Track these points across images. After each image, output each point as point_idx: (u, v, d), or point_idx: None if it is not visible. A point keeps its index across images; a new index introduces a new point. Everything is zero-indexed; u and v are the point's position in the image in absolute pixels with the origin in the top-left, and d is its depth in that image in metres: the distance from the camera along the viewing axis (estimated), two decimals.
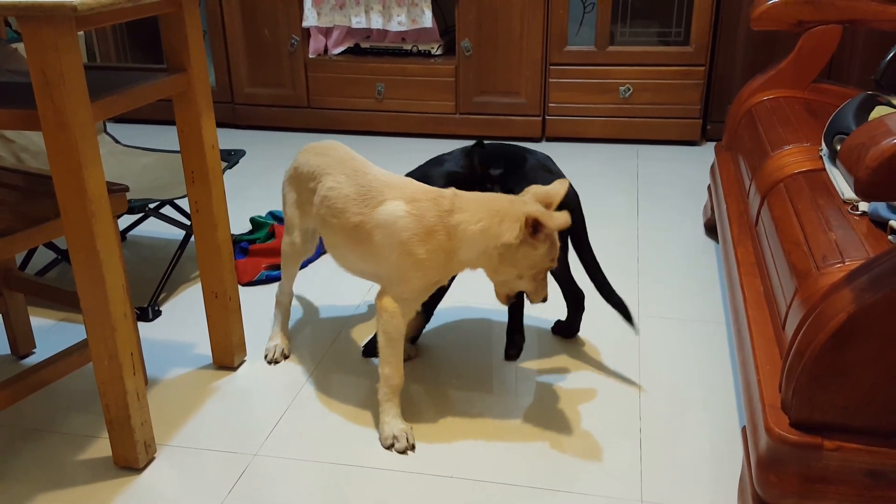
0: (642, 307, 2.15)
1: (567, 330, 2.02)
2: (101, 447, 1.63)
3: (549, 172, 1.82)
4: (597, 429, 1.66)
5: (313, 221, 1.74)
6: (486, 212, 1.51)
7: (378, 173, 1.63)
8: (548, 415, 1.71)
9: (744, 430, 1.36)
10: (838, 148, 1.59)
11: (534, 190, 1.57)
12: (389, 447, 1.61)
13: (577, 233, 1.86)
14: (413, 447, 1.61)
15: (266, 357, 1.92)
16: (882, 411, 1.17)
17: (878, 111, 1.76)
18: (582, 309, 1.99)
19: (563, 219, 1.49)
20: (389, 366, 1.61)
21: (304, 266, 2.42)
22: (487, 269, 1.57)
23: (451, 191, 1.57)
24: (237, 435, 1.66)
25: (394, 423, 1.62)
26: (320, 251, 2.49)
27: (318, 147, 1.74)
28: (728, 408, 1.73)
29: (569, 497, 1.48)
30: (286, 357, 1.93)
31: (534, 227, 1.48)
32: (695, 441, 1.62)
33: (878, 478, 1.18)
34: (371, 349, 1.95)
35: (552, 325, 2.05)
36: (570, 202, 1.80)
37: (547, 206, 1.54)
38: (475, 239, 1.52)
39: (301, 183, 1.74)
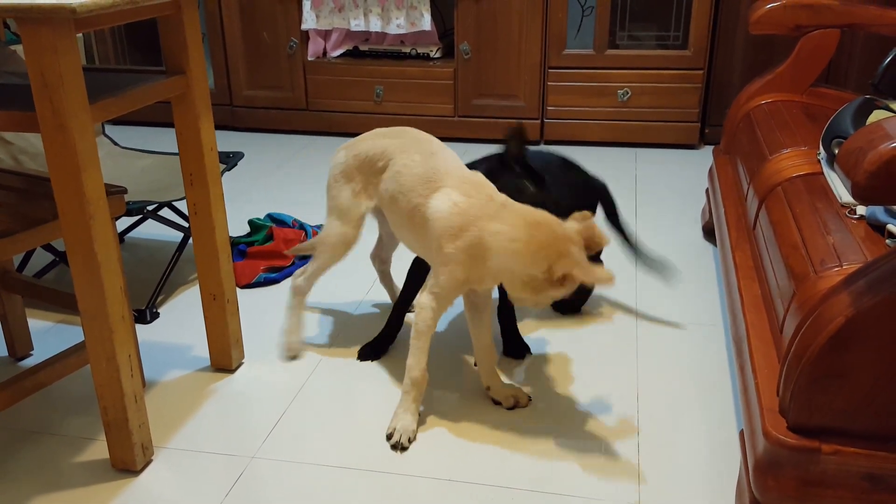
0: (640, 310, 2.15)
1: (569, 305, 2.09)
2: (99, 449, 1.63)
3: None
4: (595, 432, 1.66)
5: (380, 201, 1.75)
6: (525, 234, 1.49)
7: (445, 158, 1.64)
8: (545, 418, 1.71)
9: (741, 433, 1.36)
10: (836, 152, 1.59)
11: (584, 223, 1.53)
12: (388, 437, 1.63)
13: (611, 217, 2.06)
14: (403, 449, 1.61)
15: (288, 354, 1.94)
16: (880, 415, 1.17)
17: (876, 115, 1.76)
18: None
19: (598, 276, 1.46)
20: (412, 357, 1.63)
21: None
22: (508, 287, 1.55)
23: (503, 198, 1.56)
24: (235, 437, 1.66)
25: (403, 417, 1.64)
26: None
27: (389, 131, 1.77)
28: (726, 411, 1.73)
29: (567, 500, 1.47)
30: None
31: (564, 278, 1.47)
32: (693, 444, 1.62)
33: (876, 482, 1.18)
34: (366, 353, 1.95)
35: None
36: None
37: (587, 244, 1.51)
38: (505, 255, 1.50)
39: (367, 166, 1.75)
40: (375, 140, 1.75)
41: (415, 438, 1.64)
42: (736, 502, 1.39)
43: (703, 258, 2.46)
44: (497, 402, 1.75)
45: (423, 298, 1.60)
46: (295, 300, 1.94)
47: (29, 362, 1.95)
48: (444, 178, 1.59)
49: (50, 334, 2.07)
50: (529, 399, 1.76)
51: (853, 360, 1.14)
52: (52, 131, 1.29)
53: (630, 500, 1.48)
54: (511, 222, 1.51)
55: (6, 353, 1.97)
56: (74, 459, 1.61)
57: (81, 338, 1.74)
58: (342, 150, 1.82)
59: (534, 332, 2.04)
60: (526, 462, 1.58)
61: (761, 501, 1.24)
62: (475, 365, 1.83)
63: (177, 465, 1.58)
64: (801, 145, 1.87)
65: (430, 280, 1.60)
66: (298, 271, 1.94)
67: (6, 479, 1.56)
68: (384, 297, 2.23)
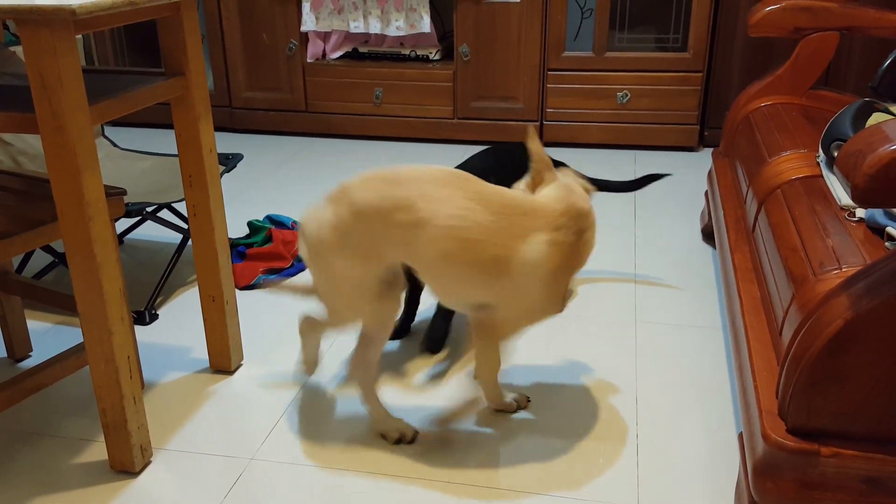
0: (639, 313, 2.15)
1: (431, 342, 1.97)
2: (98, 451, 1.63)
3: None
4: (594, 434, 1.66)
5: (412, 261, 1.46)
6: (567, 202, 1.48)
7: (505, 194, 1.45)
8: (544, 420, 1.71)
9: (740, 435, 1.36)
10: (835, 154, 1.59)
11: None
12: (383, 436, 1.64)
13: None
14: (410, 442, 1.63)
15: (390, 439, 1.64)
16: (879, 417, 1.17)
17: (876, 118, 1.76)
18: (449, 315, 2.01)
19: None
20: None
21: (304, 269, 2.42)
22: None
23: (568, 202, 1.46)
24: (234, 439, 1.66)
25: (382, 422, 1.63)
26: None
27: (389, 176, 1.44)
28: (725, 414, 1.73)
29: (565, 502, 1.47)
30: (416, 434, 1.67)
31: None
32: (692, 447, 1.62)
33: (875, 484, 1.18)
34: (434, 343, 1.95)
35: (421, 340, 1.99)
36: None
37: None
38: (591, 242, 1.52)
39: (378, 220, 1.41)
40: (379, 188, 1.42)
41: (411, 432, 1.63)
42: None
43: (702, 260, 2.46)
44: (499, 411, 1.74)
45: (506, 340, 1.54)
46: (363, 386, 1.65)
47: (28, 363, 1.95)
48: (527, 220, 1.42)
49: (49, 335, 2.07)
50: (528, 400, 1.76)
51: (852, 363, 1.14)
52: (51, 133, 1.29)
53: (629, 502, 1.48)
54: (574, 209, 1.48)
55: (5, 355, 1.97)
56: (73, 461, 1.60)
57: (80, 339, 1.74)
58: (327, 206, 1.45)
59: (533, 334, 2.04)
60: (525, 464, 1.57)
61: None
62: (475, 377, 1.80)
63: (175, 466, 1.58)
64: (800, 148, 1.87)
65: (514, 319, 1.51)
66: (352, 363, 1.59)
67: (5, 480, 1.55)
68: None
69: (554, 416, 1.72)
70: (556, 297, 1.48)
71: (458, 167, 1.89)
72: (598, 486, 1.51)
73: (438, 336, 1.96)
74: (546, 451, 1.61)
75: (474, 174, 1.61)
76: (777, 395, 1.25)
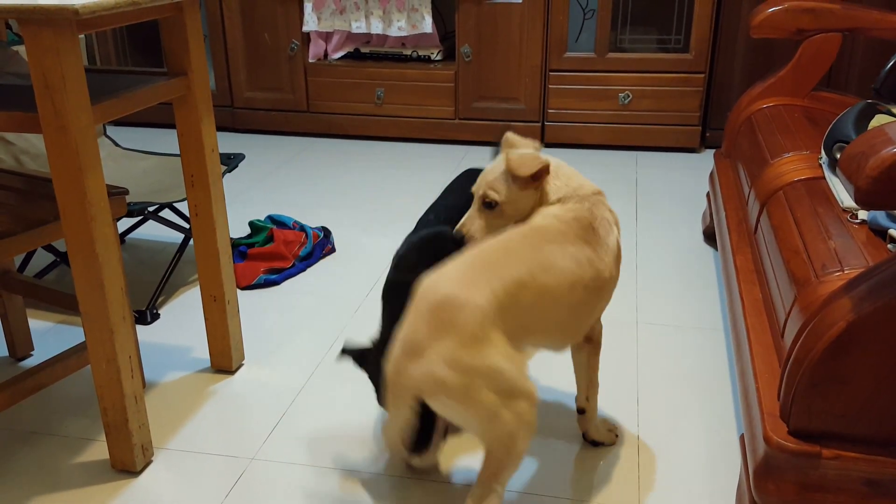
0: (640, 314, 2.15)
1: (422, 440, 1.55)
2: (99, 450, 1.63)
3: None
4: None
5: (528, 337, 1.32)
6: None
7: (566, 217, 1.38)
8: (544, 422, 1.71)
9: (742, 437, 1.36)
10: (838, 156, 1.59)
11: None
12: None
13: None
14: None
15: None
16: (881, 419, 1.17)
17: (878, 120, 1.76)
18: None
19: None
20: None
21: (305, 269, 2.42)
22: None
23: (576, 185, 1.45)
24: (235, 439, 1.66)
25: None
26: (319, 255, 2.49)
27: (486, 261, 1.27)
28: (726, 415, 1.73)
29: (566, 503, 1.47)
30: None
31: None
32: (692, 449, 1.62)
33: (877, 486, 1.18)
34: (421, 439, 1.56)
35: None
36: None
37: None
38: None
39: (511, 309, 1.24)
40: (491, 279, 1.23)
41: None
42: None
43: (704, 262, 2.46)
44: None
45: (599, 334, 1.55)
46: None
47: (29, 363, 1.95)
48: (599, 230, 1.39)
49: (50, 335, 2.07)
50: None
51: (854, 365, 1.14)
52: (53, 132, 1.29)
53: (629, 502, 1.47)
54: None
55: (7, 354, 1.97)
56: (74, 460, 1.60)
57: (82, 338, 1.74)
58: (470, 308, 1.19)
59: None
60: (525, 466, 1.57)
61: None
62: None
63: (176, 466, 1.58)
64: (802, 149, 1.87)
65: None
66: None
67: (6, 479, 1.55)
68: None
69: (554, 416, 1.72)
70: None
71: (457, 177, 1.81)
72: (599, 487, 1.51)
73: (426, 429, 1.55)
74: (546, 452, 1.61)
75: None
76: (779, 397, 1.25)
